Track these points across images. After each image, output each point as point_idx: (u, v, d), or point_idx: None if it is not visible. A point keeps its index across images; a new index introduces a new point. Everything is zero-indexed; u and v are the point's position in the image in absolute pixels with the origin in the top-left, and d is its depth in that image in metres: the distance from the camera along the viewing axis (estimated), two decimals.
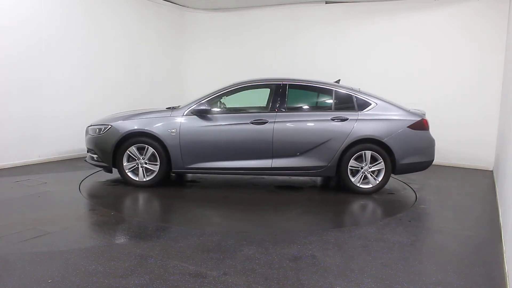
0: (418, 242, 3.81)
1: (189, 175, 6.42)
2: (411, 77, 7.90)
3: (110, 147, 5.46)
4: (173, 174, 6.46)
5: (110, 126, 5.54)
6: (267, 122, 5.37)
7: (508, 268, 3.10)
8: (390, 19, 8.08)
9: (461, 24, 7.52)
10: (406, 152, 5.33)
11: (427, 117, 5.59)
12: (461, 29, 7.53)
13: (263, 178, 6.25)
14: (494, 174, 6.75)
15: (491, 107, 7.32)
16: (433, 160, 5.55)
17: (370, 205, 5.09)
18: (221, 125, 5.43)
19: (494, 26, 7.23)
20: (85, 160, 5.93)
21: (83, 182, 5.71)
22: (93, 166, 6.28)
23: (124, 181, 5.58)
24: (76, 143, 7.43)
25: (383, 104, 5.46)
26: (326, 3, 8.57)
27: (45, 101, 6.87)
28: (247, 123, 5.39)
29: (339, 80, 5.96)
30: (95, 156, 5.67)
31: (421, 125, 5.40)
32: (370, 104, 5.45)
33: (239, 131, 5.41)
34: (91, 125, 5.83)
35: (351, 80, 6.20)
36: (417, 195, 5.49)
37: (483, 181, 6.65)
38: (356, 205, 5.08)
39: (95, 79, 7.70)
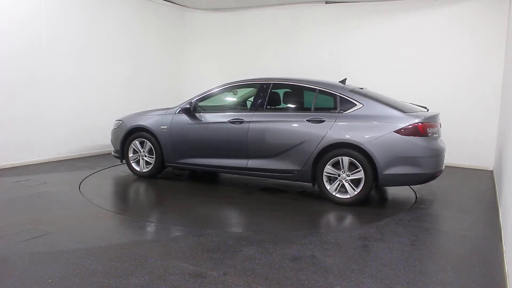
0: (418, 242, 3.81)
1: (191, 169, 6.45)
2: (410, 78, 7.89)
3: (120, 140, 6.08)
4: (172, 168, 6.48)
5: (121, 121, 6.20)
6: (244, 121, 5.34)
7: (508, 268, 3.10)
8: (390, 19, 8.08)
9: (461, 24, 7.52)
10: (392, 161, 4.62)
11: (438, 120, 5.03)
12: (461, 29, 7.53)
13: (267, 179, 6.24)
14: (494, 174, 6.75)
15: (491, 107, 7.32)
16: (434, 173, 4.78)
17: (371, 205, 5.08)
18: (203, 123, 5.63)
19: (494, 26, 7.22)
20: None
21: (83, 182, 5.71)
22: (93, 166, 6.32)
23: (129, 170, 6.17)
24: (76, 143, 7.44)
25: (371, 105, 4.88)
26: (326, 3, 8.56)
27: (45, 101, 6.87)
28: (225, 122, 5.44)
29: (345, 79, 5.81)
30: (113, 148, 6.37)
31: (413, 130, 4.62)
32: (355, 104, 4.91)
33: (218, 130, 5.50)
34: (115, 120, 6.42)
35: (352, 79, 6.17)
36: (417, 195, 5.48)
37: (483, 181, 6.65)
38: (357, 205, 5.04)
39: (95, 79, 7.70)
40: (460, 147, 7.44)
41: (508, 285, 2.95)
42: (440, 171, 4.89)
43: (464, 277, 3.10)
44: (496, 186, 5.93)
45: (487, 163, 7.44)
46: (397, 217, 4.55)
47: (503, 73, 7.16)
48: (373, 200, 5.28)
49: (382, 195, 5.52)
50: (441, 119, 5.29)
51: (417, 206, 5.02)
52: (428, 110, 5.40)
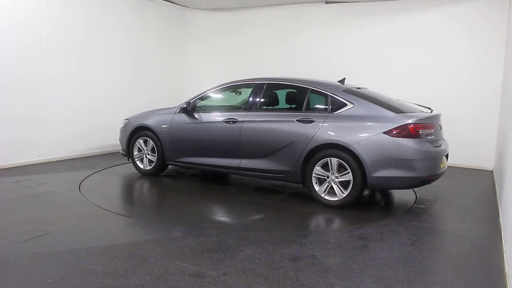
0: (418, 242, 3.81)
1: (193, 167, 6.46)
2: (410, 78, 7.89)
3: (126, 138, 6.25)
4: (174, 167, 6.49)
5: (128, 120, 6.37)
6: (237, 121, 5.34)
7: (508, 268, 3.10)
8: (390, 19, 8.07)
9: (461, 24, 7.52)
10: (381, 163, 4.44)
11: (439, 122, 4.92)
12: (461, 29, 7.53)
13: (267, 180, 6.23)
14: (494, 174, 6.75)
15: (491, 107, 7.32)
16: (427, 176, 4.53)
17: (370, 205, 5.08)
18: (199, 123, 5.70)
19: (494, 26, 7.22)
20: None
21: (83, 182, 5.71)
22: (93, 166, 6.30)
23: (134, 167, 6.33)
24: (76, 143, 7.44)
25: (362, 105, 4.74)
26: (326, 3, 8.56)
27: (45, 101, 6.86)
28: (220, 122, 5.48)
29: (344, 78, 5.78)
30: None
31: (404, 131, 4.42)
32: (346, 104, 4.78)
33: (213, 129, 5.56)
34: (123, 119, 6.57)
35: (352, 79, 6.17)
36: (417, 195, 5.48)
37: (483, 181, 6.64)
38: (358, 205, 5.03)
39: (95, 79, 7.70)
40: (460, 147, 7.43)
41: (508, 285, 2.95)
42: (436, 175, 4.66)
43: (464, 277, 3.10)
44: (496, 186, 5.93)
45: (487, 163, 7.44)
46: (397, 217, 4.55)
47: (503, 73, 7.16)
48: (373, 200, 5.28)
49: (382, 196, 5.52)
50: (441, 120, 5.25)
51: (417, 206, 5.02)
52: (432, 110, 5.34)
